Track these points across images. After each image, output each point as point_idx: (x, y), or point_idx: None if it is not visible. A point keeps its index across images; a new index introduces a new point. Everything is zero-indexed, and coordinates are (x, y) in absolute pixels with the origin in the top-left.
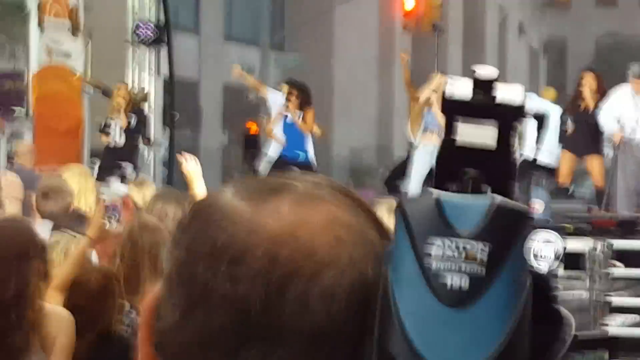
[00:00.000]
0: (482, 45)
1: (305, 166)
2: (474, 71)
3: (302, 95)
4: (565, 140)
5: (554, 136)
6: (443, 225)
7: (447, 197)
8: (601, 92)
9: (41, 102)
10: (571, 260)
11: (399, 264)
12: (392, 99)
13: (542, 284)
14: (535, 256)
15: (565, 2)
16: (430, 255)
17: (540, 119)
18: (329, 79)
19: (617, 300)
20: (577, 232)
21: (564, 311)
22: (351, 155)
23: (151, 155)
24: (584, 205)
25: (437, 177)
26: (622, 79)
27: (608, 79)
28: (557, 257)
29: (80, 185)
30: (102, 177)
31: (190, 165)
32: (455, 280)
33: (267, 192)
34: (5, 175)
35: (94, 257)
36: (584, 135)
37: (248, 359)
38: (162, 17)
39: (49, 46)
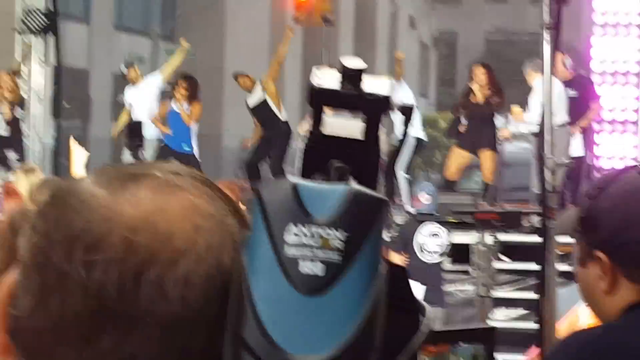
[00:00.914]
0: (372, 39)
1: (188, 157)
2: (342, 63)
3: (191, 88)
4: (457, 136)
5: None
6: (300, 211)
7: (305, 183)
8: (492, 86)
9: None
10: (458, 254)
11: (254, 250)
12: (282, 90)
13: (400, 274)
14: (422, 249)
15: None
16: (286, 242)
17: (408, 111)
18: (220, 70)
19: (502, 294)
20: (461, 226)
21: (423, 303)
22: (240, 146)
23: (37, 146)
24: (471, 199)
25: (303, 168)
26: (513, 74)
27: (499, 74)
28: (443, 251)
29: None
30: None
31: (77, 150)
32: (311, 268)
33: (125, 179)
34: None
35: None
36: (476, 130)
37: (102, 345)
38: (50, 5)
39: None
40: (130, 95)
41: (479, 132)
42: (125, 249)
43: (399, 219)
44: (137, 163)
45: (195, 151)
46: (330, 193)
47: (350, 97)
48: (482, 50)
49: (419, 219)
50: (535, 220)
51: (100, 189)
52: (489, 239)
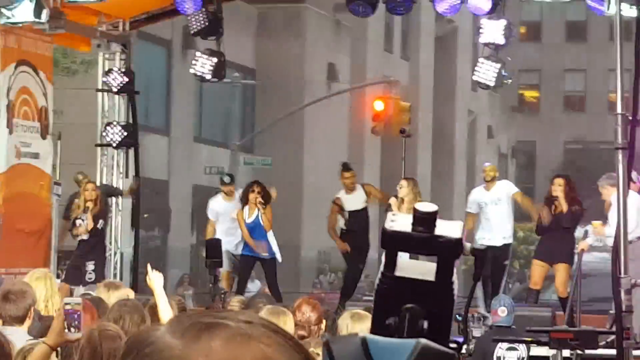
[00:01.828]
0: (451, 149)
1: (271, 261)
2: (415, 207)
3: (264, 192)
4: (537, 249)
5: None
6: None
7: (374, 338)
8: (572, 198)
9: (8, 203)
10: None
11: None
12: None
13: None
14: None
15: (534, 107)
16: None
17: (480, 254)
18: (298, 181)
19: None
20: (537, 344)
21: None
22: (318, 257)
23: (117, 256)
24: (549, 310)
25: (376, 310)
26: (591, 183)
27: (577, 183)
28: None
29: (46, 289)
30: (69, 276)
31: (154, 279)
32: None
33: (199, 329)
34: None
35: None
36: (554, 241)
37: None
38: (131, 119)
39: (17, 147)
40: (219, 208)
41: (556, 244)
42: None
43: (476, 331)
44: (212, 311)
45: (278, 256)
46: (399, 348)
47: (422, 240)
48: (560, 160)
49: (495, 332)
50: (611, 339)
51: (175, 339)
52: (566, 352)
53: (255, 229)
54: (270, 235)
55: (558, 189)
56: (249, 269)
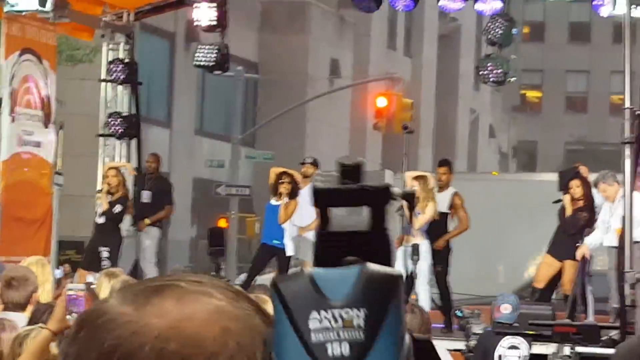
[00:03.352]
0: (452, 147)
1: (278, 252)
2: (339, 162)
3: (295, 184)
4: (549, 245)
5: None
6: (318, 298)
7: (320, 271)
8: (586, 200)
9: (9, 191)
10: None
11: (282, 344)
12: None
13: (427, 347)
14: None
15: (536, 107)
16: (310, 329)
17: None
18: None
19: None
20: (539, 337)
21: None
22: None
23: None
24: (550, 309)
25: (317, 266)
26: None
27: None
28: None
29: (37, 275)
30: (85, 261)
31: None
32: (336, 349)
33: (149, 293)
34: None
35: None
36: (566, 239)
37: None
38: (133, 110)
39: (19, 135)
40: None
41: (572, 242)
42: (156, 358)
43: (477, 328)
44: (160, 276)
45: (289, 248)
46: (345, 276)
47: (351, 192)
48: (561, 160)
49: (498, 328)
50: (614, 334)
51: (126, 306)
52: (566, 350)
53: (272, 212)
54: (288, 228)
55: (577, 190)
56: (264, 260)
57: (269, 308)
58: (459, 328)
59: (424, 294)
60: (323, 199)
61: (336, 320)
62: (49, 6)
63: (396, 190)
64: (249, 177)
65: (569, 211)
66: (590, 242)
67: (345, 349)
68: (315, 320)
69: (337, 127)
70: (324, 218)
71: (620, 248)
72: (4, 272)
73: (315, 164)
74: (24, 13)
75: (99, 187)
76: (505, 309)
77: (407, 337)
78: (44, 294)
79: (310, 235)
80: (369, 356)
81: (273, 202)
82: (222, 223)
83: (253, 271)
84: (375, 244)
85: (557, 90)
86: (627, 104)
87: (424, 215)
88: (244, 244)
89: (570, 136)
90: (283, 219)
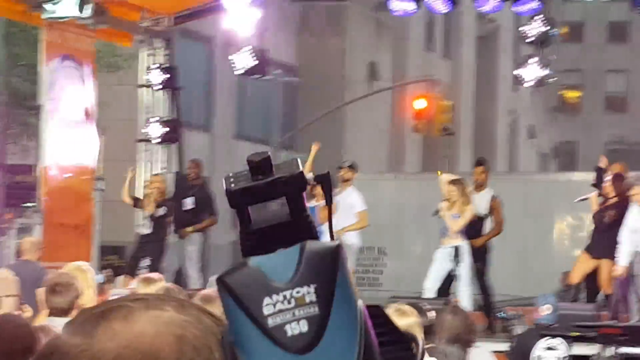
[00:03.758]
0: (492, 148)
1: None
2: (247, 159)
3: (327, 190)
4: (587, 243)
5: None
6: (267, 284)
7: (262, 258)
8: (619, 197)
9: (51, 197)
10: None
11: (240, 334)
12: (402, 199)
13: (378, 312)
14: None
15: (575, 108)
16: (265, 314)
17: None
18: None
19: None
20: (583, 338)
21: (406, 330)
22: (359, 254)
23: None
24: (593, 308)
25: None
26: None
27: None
28: None
29: (80, 281)
30: (129, 267)
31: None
32: (295, 328)
33: (96, 319)
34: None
35: None
36: (603, 238)
37: None
38: (173, 115)
39: (61, 142)
40: None
41: (605, 240)
42: None
43: (519, 329)
44: (104, 302)
45: None
46: (287, 257)
47: (265, 186)
48: None
49: (538, 329)
50: None
51: (76, 337)
52: (610, 351)
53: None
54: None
55: (607, 188)
56: None
57: (215, 308)
58: (502, 330)
59: (466, 295)
60: (239, 200)
61: (289, 301)
62: (87, 12)
63: (309, 175)
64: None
65: (594, 207)
66: (624, 254)
67: (304, 326)
68: (269, 306)
69: (377, 130)
70: (244, 218)
71: None
72: (48, 278)
73: (353, 167)
74: (63, 19)
75: (139, 193)
76: (545, 310)
77: (360, 303)
78: (87, 300)
79: (348, 237)
80: (327, 328)
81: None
82: None
83: None
84: (298, 230)
85: (596, 90)
86: None
87: (463, 218)
88: None
89: (610, 136)
90: (323, 219)
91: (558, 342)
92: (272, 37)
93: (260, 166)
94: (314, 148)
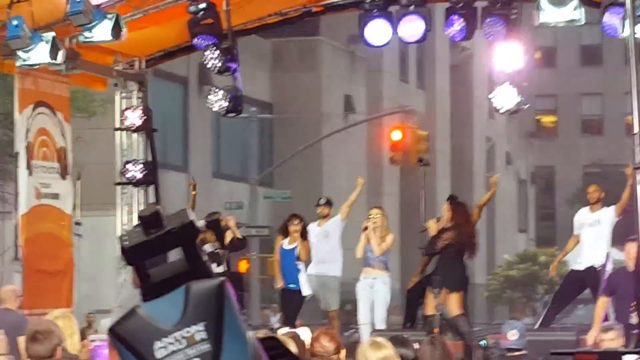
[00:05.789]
0: (470, 177)
1: (294, 295)
2: (139, 215)
3: (303, 226)
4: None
5: None
6: (156, 328)
7: (148, 303)
8: None
9: (30, 244)
10: None
11: None
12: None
13: (273, 344)
14: None
15: (551, 132)
16: (158, 358)
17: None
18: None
19: None
20: None
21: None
22: (341, 288)
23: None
24: (572, 335)
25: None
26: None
27: None
28: None
29: (65, 329)
30: None
31: None
32: None
33: None
34: None
35: None
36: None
37: None
38: (149, 156)
39: (37, 188)
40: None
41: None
42: None
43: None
44: None
45: (304, 288)
46: (173, 300)
47: (159, 240)
48: (579, 184)
49: (507, 355)
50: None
51: None
52: None
53: (288, 256)
54: (302, 268)
55: (446, 213)
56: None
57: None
58: (483, 358)
59: (366, 330)
60: (134, 256)
61: (180, 342)
62: (60, 58)
63: (200, 222)
64: (268, 218)
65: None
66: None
67: None
68: (161, 350)
69: (354, 163)
70: (142, 273)
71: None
72: (28, 326)
73: (329, 203)
74: (36, 67)
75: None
76: (513, 335)
77: (251, 334)
78: (73, 346)
79: (334, 269)
80: None
81: (285, 245)
82: (242, 265)
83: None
84: (196, 278)
85: (571, 114)
86: (637, 129)
87: (385, 243)
88: (266, 284)
89: (587, 159)
90: (305, 256)
91: None
92: (245, 74)
93: (151, 221)
94: (360, 182)
